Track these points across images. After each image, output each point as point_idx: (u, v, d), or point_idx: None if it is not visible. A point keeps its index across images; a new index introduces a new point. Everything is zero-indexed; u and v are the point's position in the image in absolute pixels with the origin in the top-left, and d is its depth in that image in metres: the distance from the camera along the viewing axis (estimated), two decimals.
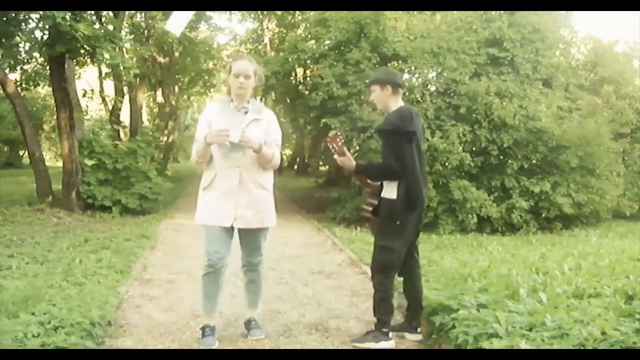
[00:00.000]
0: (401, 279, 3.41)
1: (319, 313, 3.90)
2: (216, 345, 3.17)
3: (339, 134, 3.20)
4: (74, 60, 10.09)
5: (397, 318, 3.52)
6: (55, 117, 10.09)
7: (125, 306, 3.98)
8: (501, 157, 9.69)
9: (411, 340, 3.33)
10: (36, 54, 10.96)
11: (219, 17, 40.97)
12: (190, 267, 5.38)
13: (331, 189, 11.07)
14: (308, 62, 12.01)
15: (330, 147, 3.25)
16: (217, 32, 20.99)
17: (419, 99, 9.87)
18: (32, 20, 9.12)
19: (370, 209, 3.33)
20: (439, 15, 11.26)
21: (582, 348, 2.45)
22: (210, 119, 3.13)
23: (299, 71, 13.93)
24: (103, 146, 9.86)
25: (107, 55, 8.27)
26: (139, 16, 15.88)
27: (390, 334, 3.21)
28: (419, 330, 3.36)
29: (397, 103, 3.27)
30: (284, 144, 3.53)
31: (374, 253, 3.29)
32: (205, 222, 3.15)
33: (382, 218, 3.22)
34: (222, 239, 3.14)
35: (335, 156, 3.25)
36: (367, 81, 3.69)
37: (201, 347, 3.15)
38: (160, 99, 20.72)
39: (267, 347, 3.21)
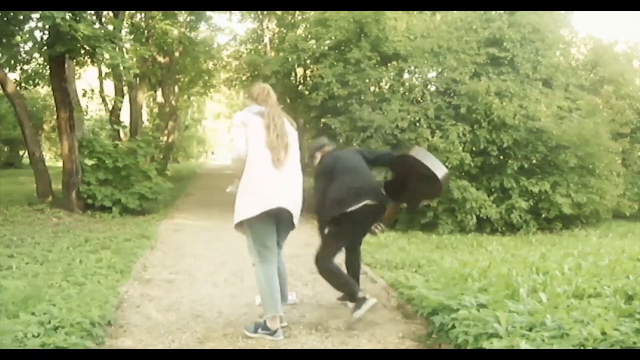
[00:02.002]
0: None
1: (319, 313, 3.91)
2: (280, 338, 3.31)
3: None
4: (74, 60, 10.09)
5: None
6: (55, 117, 10.08)
7: (125, 306, 3.98)
8: (501, 157, 9.67)
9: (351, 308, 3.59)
10: (36, 54, 10.95)
11: (219, 17, 41.12)
12: (190, 267, 5.38)
13: None
14: (308, 62, 11.98)
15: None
16: (217, 32, 20.88)
17: (419, 98, 9.87)
18: (32, 20, 9.11)
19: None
20: (439, 15, 11.24)
21: (582, 348, 2.45)
22: None
23: (299, 71, 13.88)
24: (103, 146, 9.86)
25: (107, 55, 8.24)
26: (139, 16, 15.85)
27: (368, 295, 3.61)
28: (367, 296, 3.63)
29: None
30: None
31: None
32: None
33: None
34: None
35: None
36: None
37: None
38: (160, 99, 20.65)
39: (267, 347, 3.21)
